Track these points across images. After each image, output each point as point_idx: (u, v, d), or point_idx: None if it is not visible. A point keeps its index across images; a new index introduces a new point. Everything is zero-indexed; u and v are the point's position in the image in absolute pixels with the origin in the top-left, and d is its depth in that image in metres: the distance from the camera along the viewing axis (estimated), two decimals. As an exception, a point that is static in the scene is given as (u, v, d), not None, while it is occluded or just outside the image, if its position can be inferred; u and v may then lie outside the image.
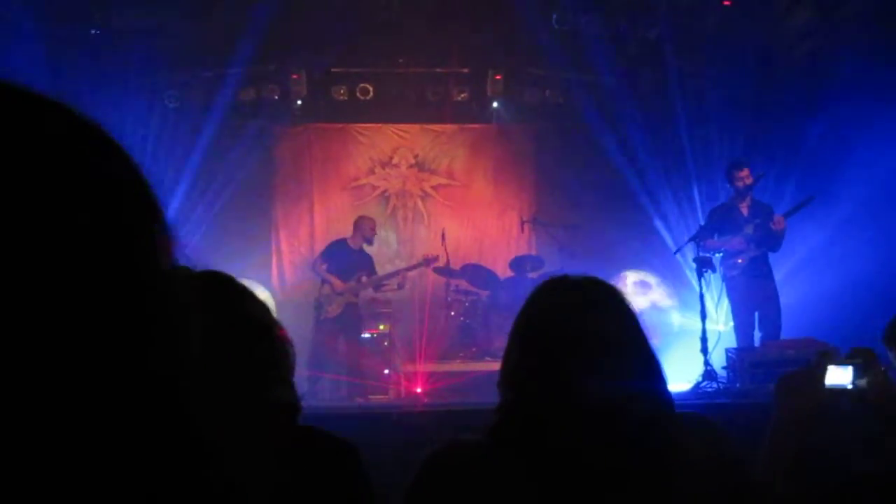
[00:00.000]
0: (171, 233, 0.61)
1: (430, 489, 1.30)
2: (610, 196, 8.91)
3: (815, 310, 6.74)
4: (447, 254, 8.29)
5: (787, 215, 6.57)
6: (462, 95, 9.46)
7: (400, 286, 7.83)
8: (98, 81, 7.60)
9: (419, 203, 9.78)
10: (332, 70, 9.21)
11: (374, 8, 8.17)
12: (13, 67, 6.75)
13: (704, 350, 6.27)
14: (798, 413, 1.53)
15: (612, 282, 1.55)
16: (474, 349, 8.00)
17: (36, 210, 0.54)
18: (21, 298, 0.52)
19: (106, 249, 0.57)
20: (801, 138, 7.72)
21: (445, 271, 8.33)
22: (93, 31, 7.89)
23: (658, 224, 8.74)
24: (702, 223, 6.95)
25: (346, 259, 7.58)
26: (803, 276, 7.18)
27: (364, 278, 7.58)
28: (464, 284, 8.53)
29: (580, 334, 1.37)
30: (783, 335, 6.56)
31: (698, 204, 8.44)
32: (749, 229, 6.70)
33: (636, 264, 8.52)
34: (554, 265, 8.07)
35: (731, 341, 6.80)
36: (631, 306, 1.43)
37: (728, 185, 6.90)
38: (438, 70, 9.27)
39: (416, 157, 9.82)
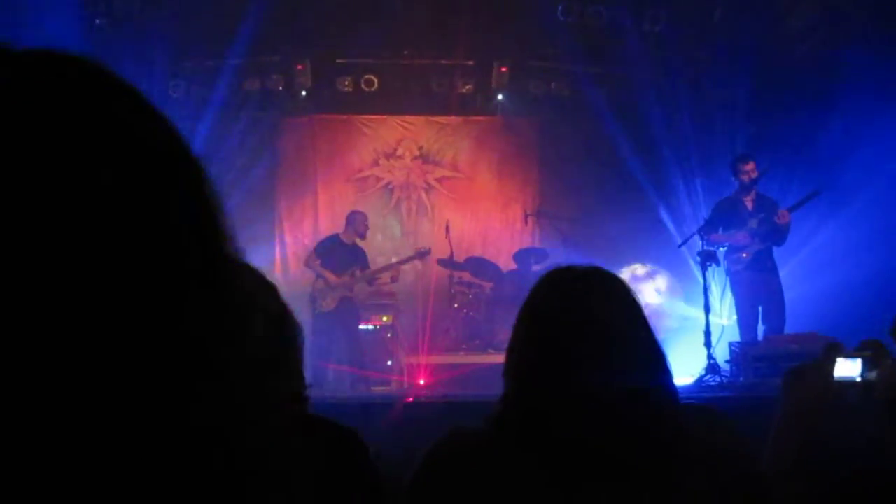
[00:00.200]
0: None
1: (434, 477, 1.30)
2: (614, 189, 8.89)
3: (819, 304, 6.72)
4: (451, 246, 8.29)
5: (791, 210, 6.55)
6: (467, 87, 9.43)
7: (393, 279, 7.85)
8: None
9: (423, 195, 9.77)
10: (337, 61, 9.19)
11: (379, -1, 8.16)
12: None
13: (708, 344, 6.27)
14: (805, 405, 1.52)
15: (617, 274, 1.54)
16: (477, 341, 8.01)
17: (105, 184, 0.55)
18: (82, 262, 0.53)
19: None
20: (806, 132, 7.68)
21: (449, 264, 8.32)
22: (97, 21, 7.88)
23: (662, 218, 8.72)
24: (706, 217, 6.93)
25: (339, 254, 7.60)
26: (807, 271, 7.16)
27: (358, 272, 7.59)
28: (467, 277, 8.53)
29: (585, 325, 1.36)
30: (787, 329, 6.55)
31: (702, 198, 8.42)
32: (753, 223, 6.68)
33: (640, 258, 8.51)
34: (557, 258, 8.05)
35: (734, 335, 6.80)
36: (636, 297, 1.43)
37: (733, 179, 6.87)
38: (443, 62, 9.24)
39: (420, 148, 9.80)
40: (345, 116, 9.72)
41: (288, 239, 9.52)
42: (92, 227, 0.54)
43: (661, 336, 1.45)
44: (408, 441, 1.56)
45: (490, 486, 1.27)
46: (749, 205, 6.78)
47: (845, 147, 7.05)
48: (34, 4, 6.56)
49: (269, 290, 1.36)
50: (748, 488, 1.36)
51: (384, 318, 7.87)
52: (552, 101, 9.47)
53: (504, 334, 8.18)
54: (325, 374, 7.29)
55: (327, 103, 9.55)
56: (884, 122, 6.68)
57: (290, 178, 9.64)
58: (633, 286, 1.49)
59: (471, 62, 9.28)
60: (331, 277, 7.44)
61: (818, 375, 1.58)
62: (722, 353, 6.37)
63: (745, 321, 6.78)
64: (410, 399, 5.59)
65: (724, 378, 6.05)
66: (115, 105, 0.60)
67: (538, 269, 8.16)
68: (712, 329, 6.36)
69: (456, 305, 8.20)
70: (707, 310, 6.42)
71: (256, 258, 8.35)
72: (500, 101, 9.67)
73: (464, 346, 7.99)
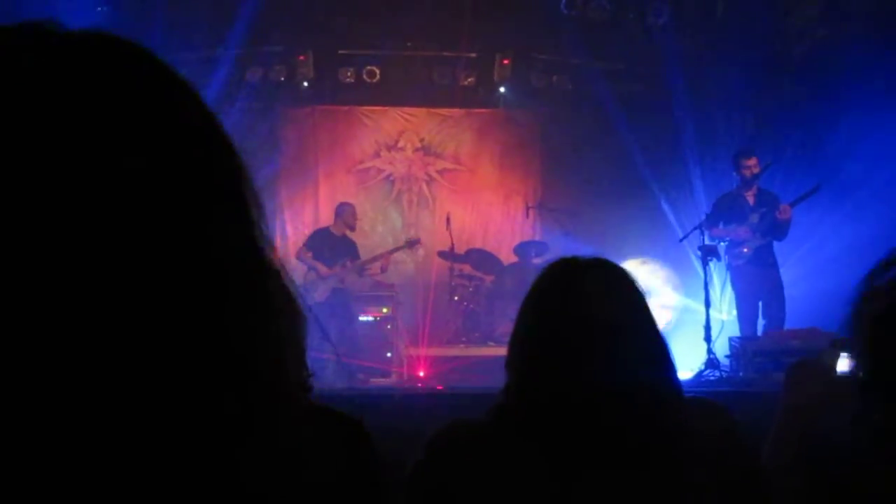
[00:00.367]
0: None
1: (435, 468, 1.30)
2: (616, 183, 8.88)
3: (820, 300, 6.70)
4: (452, 238, 8.29)
5: (793, 204, 6.54)
6: (469, 80, 9.41)
7: (383, 269, 7.86)
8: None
9: (424, 187, 9.76)
10: (340, 52, 9.17)
11: (382, -10, 8.14)
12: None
13: (708, 338, 6.26)
14: (807, 400, 1.52)
15: (618, 267, 1.54)
16: (477, 334, 8.01)
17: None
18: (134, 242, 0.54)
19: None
20: (808, 128, 7.68)
21: (450, 256, 8.32)
22: (98, 9, 7.85)
23: (664, 212, 8.71)
24: (708, 211, 6.92)
25: (330, 245, 7.64)
26: (808, 266, 7.15)
27: (348, 263, 7.62)
28: (468, 269, 8.53)
29: (589, 316, 1.36)
30: (787, 325, 6.55)
31: (703, 192, 8.41)
32: (754, 218, 6.68)
33: (641, 251, 8.49)
34: (558, 251, 8.01)
35: (734, 330, 6.80)
36: (641, 289, 1.42)
37: (735, 174, 6.87)
38: (446, 54, 9.22)
39: (422, 140, 9.79)
40: (346, 108, 9.70)
41: (289, 229, 9.50)
42: (143, 207, 0.56)
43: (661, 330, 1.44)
44: (407, 432, 1.56)
45: (491, 477, 1.27)
46: (750, 200, 6.77)
47: (847, 142, 7.04)
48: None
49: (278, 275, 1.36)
50: (748, 481, 1.36)
51: (384, 310, 7.87)
52: (554, 94, 9.45)
53: (504, 327, 8.20)
54: (324, 365, 7.29)
55: (329, 94, 9.53)
56: (886, 117, 6.67)
57: (292, 169, 9.62)
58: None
59: (473, 54, 9.26)
60: (322, 269, 7.49)
61: (821, 370, 1.58)
62: (722, 348, 6.37)
63: (746, 316, 6.78)
64: (409, 391, 5.60)
65: (723, 373, 6.05)
66: (167, 94, 0.65)
67: (539, 261, 8.16)
68: (712, 323, 6.36)
69: (456, 298, 8.20)
70: (707, 304, 6.42)
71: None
72: (502, 94, 9.66)
73: (464, 339, 8.00)
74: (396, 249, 8.12)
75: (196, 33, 8.22)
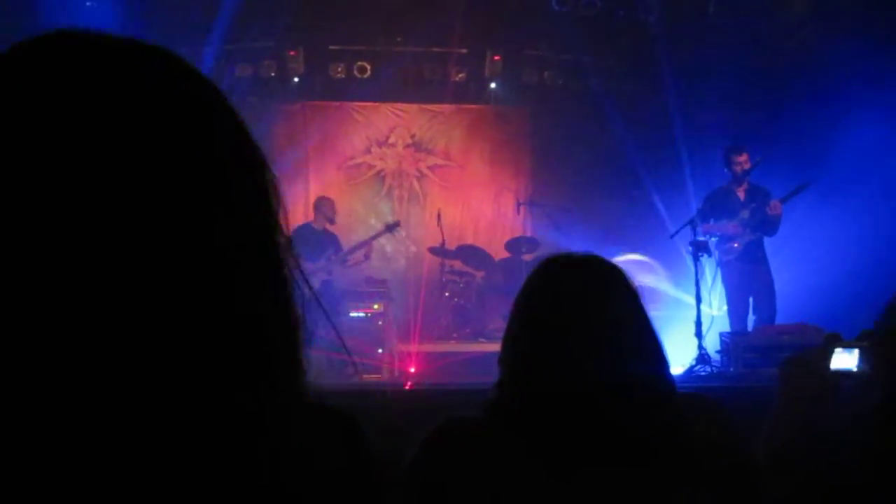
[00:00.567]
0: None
1: (431, 465, 1.30)
2: (606, 179, 8.90)
3: (810, 295, 6.74)
4: (443, 234, 8.29)
5: (783, 201, 6.56)
6: (460, 76, 9.41)
7: (367, 257, 7.83)
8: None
9: (415, 183, 9.75)
10: (330, 47, 9.14)
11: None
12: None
13: (699, 334, 6.28)
14: (802, 394, 1.53)
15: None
16: (468, 330, 8.02)
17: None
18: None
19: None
20: (798, 123, 7.70)
21: (441, 252, 8.32)
22: (87, 3, 7.81)
23: (654, 207, 8.72)
24: (698, 207, 6.94)
25: (312, 240, 7.62)
26: (799, 262, 7.18)
27: (332, 256, 7.62)
28: (459, 265, 8.53)
29: (582, 313, 1.36)
30: (777, 320, 6.58)
31: (694, 188, 8.43)
32: (745, 214, 6.70)
33: (632, 247, 8.50)
34: (549, 247, 8.06)
35: (725, 325, 6.82)
36: (634, 286, 1.43)
37: (725, 170, 6.89)
38: (437, 50, 9.21)
39: (412, 136, 9.78)
40: (337, 103, 9.68)
41: (279, 225, 9.46)
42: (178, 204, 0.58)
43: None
44: (399, 429, 1.56)
45: (486, 474, 1.26)
46: (741, 195, 6.79)
47: (837, 139, 7.07)
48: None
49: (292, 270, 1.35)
50: (743, 476, 1.36)
51: (375, 306, 7.85)
52: (545, 90, 9.46)
53: (495, 323, 8.20)
54: (318, 361, 7.26)
55: (320, 90, 9.51)
56: (875, 113, 6.70)
57: (282, 165, 9.58)
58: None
59: (464, 50, 9.25)
60: (306, 264, 7.49)
61: (816, 365, 1.59)
62: (712, 344, 6.39)
63: (736, 311, 6.80)
64: (400, 387, 5.60)
65: (714, 368, 6.07)
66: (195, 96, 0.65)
67: (529, 258, 8.17)
68: (703, 319, 6.38)
69: (447, 294, 8.21)
70: (698, 299, 6.44)
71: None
72: (492, 90, 9.66)
73: (455, 335, 8.00)
74: (377, 235, 8.07)
75: (186, 28, 8.18)
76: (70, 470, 0.52)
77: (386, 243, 8.99)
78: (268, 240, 0.65)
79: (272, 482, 0.60)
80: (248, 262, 0.61)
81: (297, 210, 9.51)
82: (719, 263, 6.82)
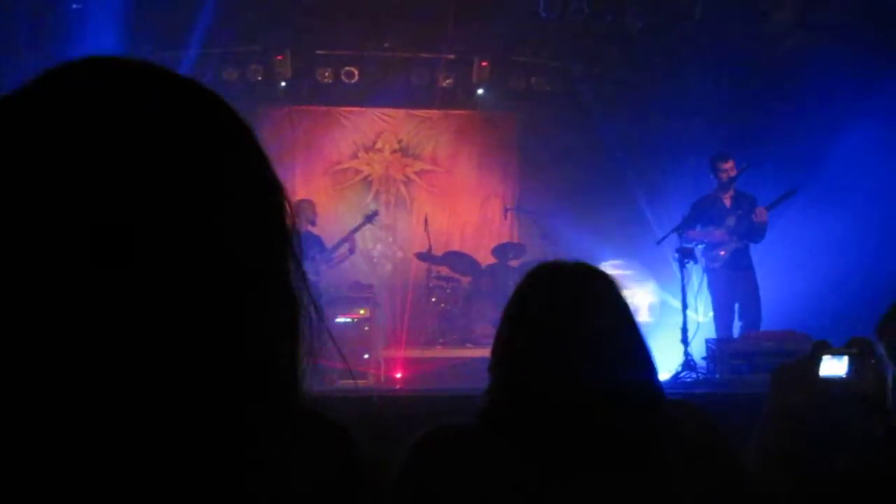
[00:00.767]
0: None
1: (421, 472, 1.29)
2: (593, 185, 8.92)
3: (795, 302, 6.78)
4: (429, 240, 8.28)
5: (768, 208, 6.60)
6: (447, 81, 9.41)
7: (351, 251, 7.80)
8: (76, 57, 7.45)
9: (402, 188, 9.74)
10: (318, 52, 9.12)
11: (360, -10, 8.10)
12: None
13: (685, 340, 6.29)
14: (792, 401, 1.53)
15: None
16: (455, 336, 8.00)
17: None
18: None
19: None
20: (785, 130, 7.75)
21: (427, 257, 8.31)
22: (74, 6, 7.76)
23: (641, 214, 8.75)
24: (685, 214, 6.96)
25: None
26: (784, 269, 7.22)
27: (317, 256, 7.60)
28: (445, 271, 8.52)
29: (572, 321, 1.36)
30: (763, 327, 6.60)
31: (681, 195, 8.45)
32: (731, 221, 6.73)
33: (619, 253, 8.52)
34: (536, 253, 8.07)
35: (710, 332, 6.84)
36: (623, 294, 1.43)
37: (712, 177, 6.92)
38: (424, 55, 9.21)
39: (400, 142, 9.77)
40: (324, 108, 9.67)
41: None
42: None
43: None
44: (385, 435, 1.55)
45: (478, 481, 1.26)
46: (727, 202, 6.82)
47: (824, 146, 7.11)
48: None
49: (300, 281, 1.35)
50: (732, 483, 1.36)
51: (361, 312, 7.83)
52: (532, 97, 9.47)
53: (481, 329, 8.16)
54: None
55: (307, 94, 9.49)
56: (862, 120, 6.74)
57: (268, 170, 9.55)
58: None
59: (452, 56, 9.25)
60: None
61: (805, 373, 1.59)
62: (698, 350, 6.40)
63: (722, 318, 6.83)
64: (387, 393, 5.58)
65: (700, 374, 6.08)
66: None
67: (516, 264, 8.18)
68: (689, 325, 6.39)
69: (433, 299, 8.20)
70: (684, 306, 6.45)
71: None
72: (480, 96, 9.67)
73: (441, 341, 7.99)
74: (358, 228, 8.03)
75: (172, 31, 8.15)
76: (62, 475, 0.52)
77: (372, 249, 8.97)
78: (278, 258, 0.67)
79: (263, 492, 0.61)
80: (256, 279, 0.63)
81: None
82: (706, 270, 6.85)
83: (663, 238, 7.04)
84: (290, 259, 0.69)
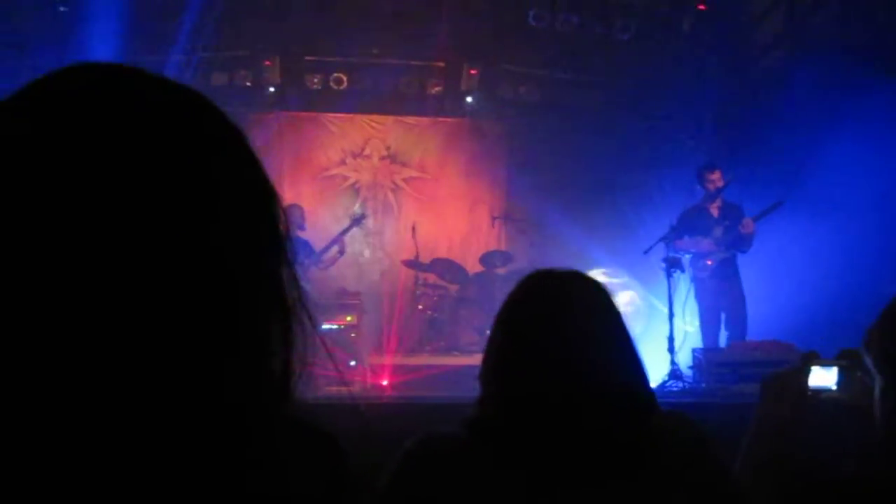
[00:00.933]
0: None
1: (412, 481, 1.28)
2: (582, 193, 8.93)
3: (781, 312, 6.80)
4: (417, 247, 8.27)
5: (756, 219, 6.63)
6: (436, 89, 9.42)
7: (341, 252, 7.78)
8: (64, 60, 7.41)
9: (390, 195, 9.73)
10: (306, 58, 9.12)
11: (350, -3, 8.11)
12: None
13: (671, 349, 6.31)
14: (781, 414, 1.53)
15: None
16: (442, 343, 7.98)
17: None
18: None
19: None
20: (771, 141, 7.79)
21: (415, 265, 8.29)
22: (61, 9, 7.72)
23: (629, 223, 8.76)
24: (672, 224, 6.98)
25: None
26: (770, 279, 7.24)
27: (306, 261, 7.57)
28: (433, 278, 8.50)
29: (564, 330, 1.36)
30: (749, 337, 6.62)
31: (669, 204, 8.47)
32: (718, 231, 6.75)
33: (606, 263, 8.54)
34: (524, 261, 8.07)
35: (697, 341, 6.85)
36: (614, 303, 1.43)
37: (699, 187, 6.94)
38: (413, 62, 9.22)
39: (388, 148, 9.77)
40: (312, 114, 9.64)
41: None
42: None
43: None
44: (370, 442, 1.53)
45: (466, 492, 1.25)
46: (714, 212, 6.85)
47: (811, 157, 7.15)
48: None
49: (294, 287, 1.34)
50: (721, 492, 1.36)
51: (348, 318, 7.80)
52: (521, 105, 9.49)
53: (468, 336, 8.13)
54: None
55: (295, 100, 9.46)
56: (850, 132, 6.78)
57: (256, 175, 9.51)
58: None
59: (441, 63, 9.27)
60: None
61: (795, 384, 1.59)
62: (685, 359, 6.41)
63: (708, 327, 6.85)
64: (373, 400, 5.56)
65: (686, 383, 6.09)
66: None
67: (503, 272, 8.17)
68: (676, 335, 6.41)
69: (421, 307, 8.17)
70: (671, 315, 6.47)
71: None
72: (468, 103, 9.68)
73: (428, 348, 7.97)
74: (346, 230, 8.01)
75: (160, 36, 8.12)
76: (61, 475, 0.53)
77: (359, 256, 8.94)
78: (271, 264, 0.67)
79: (255, 498, 0.61)
80: (250, 284, 0.63)
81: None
82: (693, 280, 6.87)
83: (650, 248, 7.06)
84: (283, 265, 0.68)
